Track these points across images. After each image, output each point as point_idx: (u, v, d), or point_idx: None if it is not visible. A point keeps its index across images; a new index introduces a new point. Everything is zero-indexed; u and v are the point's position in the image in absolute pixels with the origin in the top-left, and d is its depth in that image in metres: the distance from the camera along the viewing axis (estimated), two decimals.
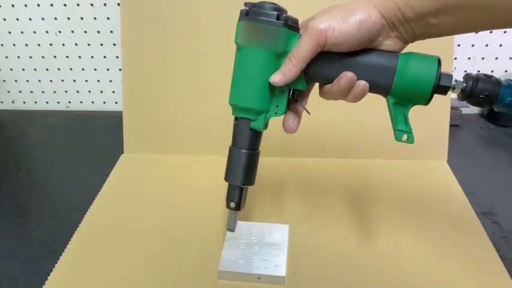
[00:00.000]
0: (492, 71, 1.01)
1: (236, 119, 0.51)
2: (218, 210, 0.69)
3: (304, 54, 0.45)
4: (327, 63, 0.47)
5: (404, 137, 0.49)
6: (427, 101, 0.47)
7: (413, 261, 0.60)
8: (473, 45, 0.99)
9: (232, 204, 0.53)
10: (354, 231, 0.65)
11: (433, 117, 0.76)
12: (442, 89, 0.46)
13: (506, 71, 1.01)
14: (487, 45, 0.99)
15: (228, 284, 0.57)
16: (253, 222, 0.65)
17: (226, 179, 0.53)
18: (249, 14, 0.47)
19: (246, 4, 0.48)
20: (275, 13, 0.46)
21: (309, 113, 0.51)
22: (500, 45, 0.99)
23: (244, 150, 0.51)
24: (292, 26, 0.47)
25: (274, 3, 0.47)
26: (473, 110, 1.05)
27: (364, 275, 0.58)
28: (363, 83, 0.46)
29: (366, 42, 0.45)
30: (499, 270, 0.59)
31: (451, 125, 0.81)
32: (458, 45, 0.98)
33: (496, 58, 1.00)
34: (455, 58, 0.99)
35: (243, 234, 0.63)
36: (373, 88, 0.47)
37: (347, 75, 0.45)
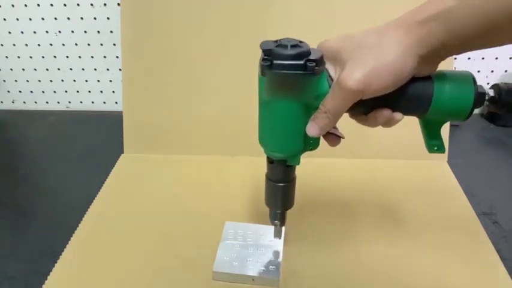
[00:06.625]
0: (492, 71, 1.01)
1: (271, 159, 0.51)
2: (217, 211, 0.69)
3: (340, 110, 0.44)
4: (360, 103, 0.43)
5: (436, 148, 0.49)
6: (464, 119, 0.45)
7: (413, 261, 0.60)
8: None
9: (277, 223, 0.56)
10: (352, 232, 0.65)
11: None
12: (479, 105, 0.44)
13: (506, 71, 1.01)
14: None
15: (222, 285, 0.57)
16: (250, 223, 0.65)
17: (267, 205, 0.55)
18: (272, 66, 0.42)
19: (265, 52, 0.42)
20: (302, 62, 0.41)
21: (343, 137, 0.49)
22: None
23: (281, 184, 0.52)
24: (321, 69, 0.43)
25: (296, 45, 0.42)
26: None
27: (363, 276, 0.58)
28: (399, 116, 0.45)
29: (402, 84, 0.42)
30: (499, 270, 0.59)
31: (451, 125, 0.81)
32: None
33: (496, 58, 1.00)
34: (455, 58, 0.99)
35: (238, 235, 0.63)
36: (408, 114, 0.46)
37: (383, 114, 0.44)
